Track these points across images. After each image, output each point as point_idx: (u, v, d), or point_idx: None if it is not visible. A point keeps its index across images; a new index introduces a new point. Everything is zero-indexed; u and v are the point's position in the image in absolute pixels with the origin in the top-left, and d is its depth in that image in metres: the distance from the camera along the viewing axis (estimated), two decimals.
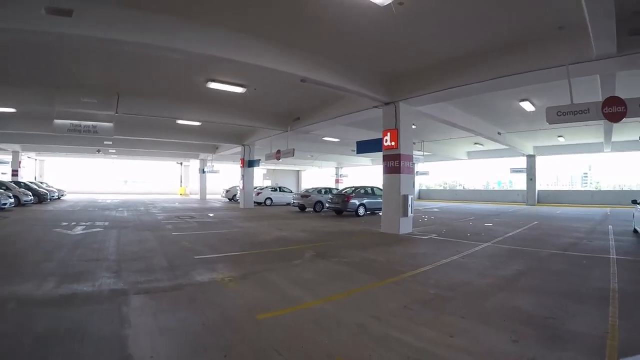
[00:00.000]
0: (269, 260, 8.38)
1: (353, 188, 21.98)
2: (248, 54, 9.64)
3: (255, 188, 31.10)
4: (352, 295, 5.87)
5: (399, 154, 13.40)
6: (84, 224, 14.50)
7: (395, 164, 13.50)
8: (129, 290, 5.83)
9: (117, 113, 15.20)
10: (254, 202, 28.99)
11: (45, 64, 12.30)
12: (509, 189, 45.32)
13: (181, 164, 50.68)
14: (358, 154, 17.24)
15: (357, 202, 20.43)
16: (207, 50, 9.07)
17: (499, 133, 23.77)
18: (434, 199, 42.33)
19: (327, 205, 22.01)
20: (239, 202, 29.92)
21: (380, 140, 14.25)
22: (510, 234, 13.51)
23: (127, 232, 12.60)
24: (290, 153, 19.84)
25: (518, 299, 5.64)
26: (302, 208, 24.88)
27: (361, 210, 20.52)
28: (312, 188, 26.81)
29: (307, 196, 24.41)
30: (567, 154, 32.95)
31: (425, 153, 30.18)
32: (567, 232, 13.99)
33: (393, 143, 13.46)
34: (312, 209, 24.14)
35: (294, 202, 25.72)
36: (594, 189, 41.62)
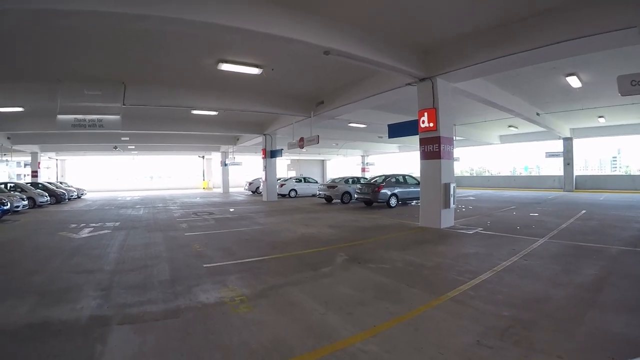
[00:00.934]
0: (292, 269, 6.91)
1: (383, 177, 20.35)
2: (261, 21, 8.08)
3: (279, 180, 29.80)
4: (405, 323, 4.35)
5: (439, 137, 11.83)
6: (93, 225, 13.53)
7: (435, 148, 11.94)
8: (112, 318, 4.58)
9: (124, 105, 14.02)
10: (278, 195, 27.67)
11: (46, 55, 11.23)
12: (544, 174, 43.01)
13: (203, 157, 49.76)
14: (389, 139, 15.45)
15: (388, 192, 18.86)
16: (211, 18, 7.55)
17: (537, 114, 22.09)
18: (465, 186, 40.11)
19: (355, 196, 20.45)
20: (262, 195, 28.51)
21: (415, 123, 12.71)
22: (563, 225, 11.83)
23: (136, 234, 11.43)
24: (315, 140, 18.26)
25: (615, 321, 4.27)
26: (328, 199, 23.41)
27: (393, 201, 18.96)
28: (339, 178, 25.15)
29: (333, 187, 22.89)
30: (606, 135, 30.78)
31: (457, 137, 28.25)
32: (626, 222, 12.30)
33: (431, 124, 11.88)
34: (339, 201, 22.67)
35: (319, 194, 24.17)
36: (635, 173, 38.60)
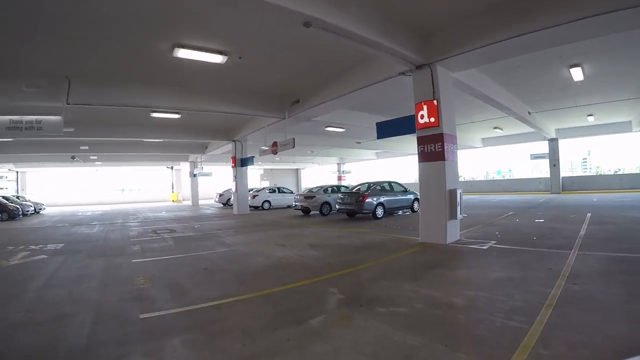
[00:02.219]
0: (265, 323, 4.66)
1: (367, 184, 18.30)
2: None
3: (251, 190, 27.57)
4: None
5: (442, 134, 9.91)
6: (33, 247, 11.36)
7: (437, 148, 9.99)
8: None
9: (69, 104, 11.84)
10: (250, 207, 25.35)
11: None
12: (526, 177, 41.91)
13: (172, 168, 47.14)
14: (377, 139, 13.25)
15: (374, 201, 16.80)
16: None
17: (529, 113, 20.84)
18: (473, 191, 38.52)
19: (336, 206, 18.30)
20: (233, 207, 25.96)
21: (410, 119, 10.86)
22: (581, 232, 10.42)
23: (74, 261, 9.16)
24: (290, 144, 16.05)
25: None
26: (306, 211, 21.11)
27: (379, 211, 16.94)
28: (317, 187, 22.92)
29: (311, 197, 20.59)
30: (592, 135, 30.10)
31: None
32: None
33: (432, 119, 9.93)
34: (318, 212, 20.37)
35: (296, 205, 21.80)
36: (621, 173, 37.79)
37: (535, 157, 31.38)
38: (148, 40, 9.67)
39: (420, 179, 10.59)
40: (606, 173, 41.39)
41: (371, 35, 8.13)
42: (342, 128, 23.26)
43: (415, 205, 19.13)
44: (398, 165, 46.22)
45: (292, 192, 29.62)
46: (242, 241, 11.72)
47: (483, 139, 34.45)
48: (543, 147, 30.94)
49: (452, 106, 10.61)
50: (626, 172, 39.74)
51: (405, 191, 19.00)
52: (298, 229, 14.65)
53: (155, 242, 12.11)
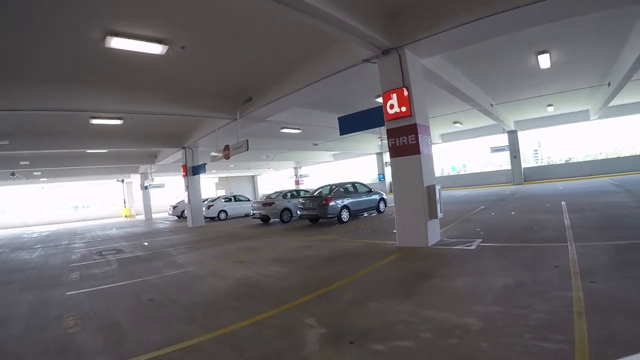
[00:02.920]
0: None
1: (329, 187, 17.14)
2: None
3: (205, 200, 25.94)
4: None
5: (415, 125, 8.94)
6: None
7: (411, 141, 8.99)
8: None
9: None
10: (206, 218, 23.75)
11: None
12: (489, 170, 41.93)
13: (122, 181, 44.42)
14: (340, 135, 12.10)
15: (338, 204, 15.61)
16: None
17: (491, 104, 20.36)
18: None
19: (298, 212, 17.02)
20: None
21: (376, 110, 9.86)
22: (566, 222, 9.97)
23: (1, 297, 7.62)
24: (243, 147, 14.55)
25: None
26: (265, 219, 19.66)
27: (345, 215, 15.79)
28: (275, 192, 21.50)
29: (270, 204, 19.14)
30: (549, 125, 30.53)
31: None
32: (624, 209, 11.09)
33: (403, 109, 8.92)
34: (278, 219, 19.04)
35: (254, 213, 20.15)
36: (580, 161, 38.10)
37: (495, 149, 31.36)
38: (75, 27, 8.15)
39: (393, 176, 9.56)
40: (557, 163, 41.62)
41: (333, 10, 6.92)
42: (299, 129, 22.18)
43: (381, 205, 18.23)
44: (356, 165, 45.23)
45: (249, 200, 28.09)
46: (195, 260, 10.32)
47: (442, 134, 34.22)
48: (502, 139, 31.05)
49: (423, 94, 9.67)
50: (583, 159, 40.18)
51: (370, 191, 17.96)
52: (258, 240, 13.33)
53: (97, 266, 10.52)
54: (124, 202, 45.41)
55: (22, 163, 23.80)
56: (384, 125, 9.60)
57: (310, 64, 11.27)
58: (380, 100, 9.60)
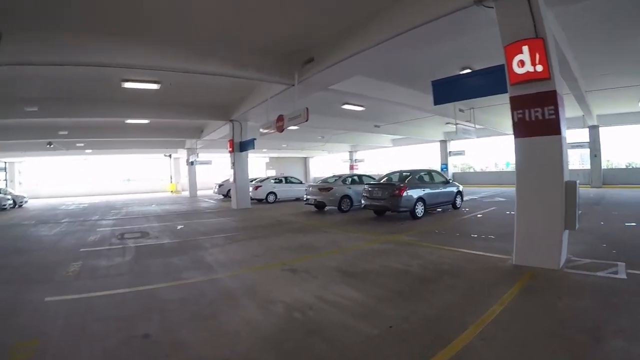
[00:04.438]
0: None
1: (400, 173, 14.43)
2: None
3: (253, 180, 23.51)
4: None
5: (554, 92, 6.15)
6: None
7: (549, 114, 6.19)
8: None
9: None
10: (253, 200, 21.37)
11: None
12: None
13: (170, 156, 42.85)
14: (435, 105, 8.93)
15: (413, 195, 12.72)
16: None
17: (585, 91, 17.13)
18: (476, 183, 34.49)
19: (362, 201, 14.07)
20: None
21: (493, 72, 7.18)
22: None
23: None
24: (302, 116, 11.40)
25: None
26: (320, 206, 16.99)
27: (419, 209, 12.89)
28: (333, 176, 18.56)
29: (327, 189, 16.35)
30: (636, 123, 25.98)
31: (477, 125, 22.70)
32: None
33: (539, 68, 6.09)
34: (335, 208, 16.27)
35: (308, 199, 17.29)
36: None
37: (574, 146, 27.18)
38: None
39: (518, 164, 6.73)
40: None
41: None
42: (362, 106, 19.33)
43: (458, 200, 15.28)
44: (416, 153, 42.01)
45: (301, 183, 25.50)
46: (230, 259, 7.74)
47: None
48: (581, 135, 27.06)
49: (554, 55, 6.68)
50: None
51: (447, 182, 15.00)
52: (313, 234, 10.66)
53: (108, 255, 8.30)
54: (170, 178, 43.98)
55: (60, 133, 22.26)
56: (504, 91, 6.87)
57: (390, 12, 8.46)
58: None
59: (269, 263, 7.15)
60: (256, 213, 16.98)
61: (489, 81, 7.25)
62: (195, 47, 10.31)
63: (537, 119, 6.26)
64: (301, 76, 11.62)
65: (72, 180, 43.38)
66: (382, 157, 47.14)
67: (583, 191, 20.58)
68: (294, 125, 11.99)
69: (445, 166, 34.84)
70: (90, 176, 44.63)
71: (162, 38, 9.79)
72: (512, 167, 49.84)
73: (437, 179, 14.69)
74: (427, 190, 13.37)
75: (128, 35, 9.41)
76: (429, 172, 14.84)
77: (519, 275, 5.83)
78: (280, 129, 12.71)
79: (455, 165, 36.95)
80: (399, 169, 15.19)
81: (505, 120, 27.20)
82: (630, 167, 31.67)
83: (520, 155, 6.59)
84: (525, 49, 6.16)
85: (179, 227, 12.88)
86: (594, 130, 26.33)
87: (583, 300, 4.68)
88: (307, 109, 10.97)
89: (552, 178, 6.18)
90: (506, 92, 6.80)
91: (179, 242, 9.78)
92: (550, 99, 6.13)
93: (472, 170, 42.14)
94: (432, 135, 33.39)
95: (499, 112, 23.72)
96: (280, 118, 12.68)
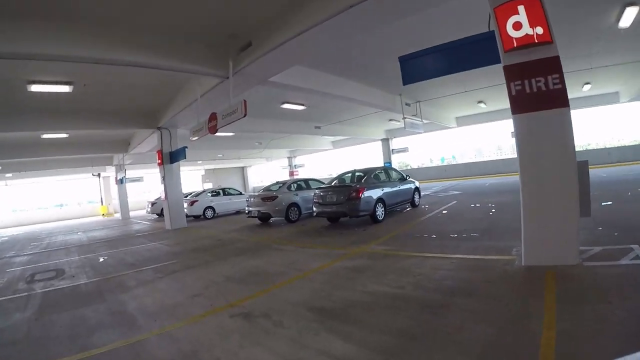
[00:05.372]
0: None
1: (353, 173, 13.00)
2: None
3: (188, 196, 21.37)
4: None
5: (557, 58, 5.21)
6: None
7: (554, 84, 5.17)
8: None
9: None
10: (189, 216, 19.28)
11: None
12: (508, 157, 38.13)
13: (99, 175, 39.10)
14: (404, 85, 7.44)
15: (373, 196, 11.29)
16: None
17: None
18: (417, 179, 33.89)
19: (313, 208, 12.42)
20: None
21: (479, 39, 6.10)
22: None
23: None
24: (239, 111, 9.35)
25: None
26: (264, 219, 15.23)
27: (380, 211, 11.45)
28: (277, 183, 16.70)
29: (271, 198, 14.50)
30: (580, 108, 25.74)
31: (424, 120, 21.76)
32: None
33: (539, 30, 5.13)
34: (282, 218, 14.47)
35: (250, 211, 15.45)
36: (609, 147, 34.17)
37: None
38: None
39: (519, 146, 5.53)
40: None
41: None
42: (303, 105, 17.80)
43: (416, 197, 14.14)
44: (357, 154, 41.27)
45: (241, 194, 23.28)
46: (159, 304, 5.77)
47: (458, 117, 30.34)
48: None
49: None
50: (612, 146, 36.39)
51: (404, 179, 13.64)
52: (264, 254, 8.85)
53: (6, 311, 6.23)
54: (101, 199, 40.44)
55: None
56: (492, 62, 5.78)
57: None
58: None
59: (213, 306, 5.30)
60: (193, 233, 14.95)
61: (476, 49, 6.03)
62: (108, 33, 8.29)
63: (540, 90, 5.18)
64: (237, 65, 9.75)
65: (6, 210, 40.13)
66: (322, 161, 46.11)
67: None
68: (230, 122, 9.82)
69: (389, 164, 34.12)
70: (17, 204, 41.16)
71: (67, 21, 7.72)
72: (447, 161, 50.39)
73: (394, 176, 13.33)
74: (386, 190, 11.95)
75: (24, 17, 7.30)
76: (385, 170, 13.47)
77: (539, 281, 4.73)
78: (213, 130, 10.67)
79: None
80: (350, 169, 13.67)
81: (444, 113, 27.56)
82: (581, 150, 32.28)
83: (522, 135, 5.44)
84: (521, 8, 5.14)
85: (101, 259, 10.66)
86: None
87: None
88: (244, 101, 9.06)
89: (563, 158, 5.19)
90: (494, 63, 5.73)
91: (98, 282, 7.68)
92: (554, 66, 5.12)
93: (409, 167, 41.95)
94: (374, 133, 32.45)
95: (442, 104, 23.38)
96: (212, 116, 10.65)
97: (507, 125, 29.39)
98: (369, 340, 3.70)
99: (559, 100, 5.03)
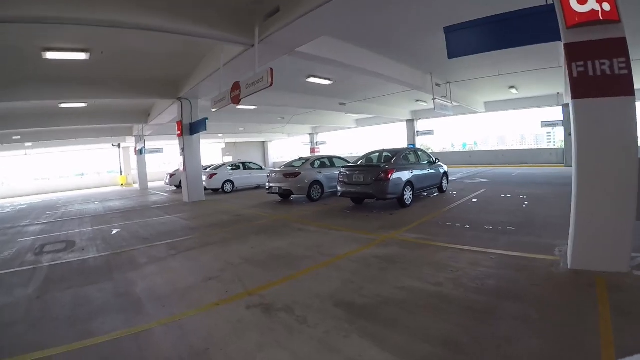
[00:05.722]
0: None
1: (381, 153, 12.36)
2: None
3: (207, 168, 20.97)
4: None
5: (624, 41, 4.50)
6: None
7: (620, 69, 4.47)
8: None
9: None
10: (207, 190, 18.84)
11: None
12: (535, 147, 37.10)
13: (119, 145, 38.94)
14: (448, 59, 6.76)
15: (402, 178, 10.65)
16: None
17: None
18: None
19: (338, 188, 11.76)
20: None
21: (538, 12, 5.47)
22: None
23: None
24: (264, 80, 8.59)
25: None
26: (285, 195, 14.53)
27: (408, 195, 10.83)
28: (299, 159, 15.94)
29: (294, 174, 13.90)
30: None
31: (453, 102, 20.97)
32: None
33: (606, 6, 4.44)
34: (304, 196, 13.90)
35: (271, 187, 14.73)
36: None
37: (547, 124, 26.87)
38: None
39: (578, 134, 4.87)
40: None
41: None
42: (329, 79, 17.14)
43: (444, 183, 13.42)
44: (381, 134, 40.52)
45: (261, 168, 22.78)
46: (170, 286, 5.28)
47: (487, 102, 29.21)
48: (554, 114, 26.56)
49: None
50: None
51: (433, 163, 12.94)
52: (286, 234, 8.36)
53: (9, 286, 5.85)
54: (120, 170, 40.43)
55: None
56: (550, 39, 5.24)
57: None
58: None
59: (229, 293, 4.78)
60: (211, 207, 14.51)
61: (529, 26, 5.41)
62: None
63: (604, 75, 4.55)
64: (263, 33, 9.05)
65: (17, 178, 40.32)
66: (345, 140, 45.37)
67: (564, 170, 19.36)
68: (255, 91, 9.11)
69: (412, 146, 33.31)
70: (39, 173, 41.32)
71: None
72: (468, 147, 49.15)
73: (423, 159, 12.62)
74: (415, 173, 11.28)
75: None
76: (414, 151, 12.71)
77: (590, 287, 4.21)
78: (237, 100, 10.03)
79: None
80: (377, 149, 13.02)
81: (474, 96, 26.53)
82: None
83: (581, 122, 4.79)
84: None
85: (114, 231, 10.29)
86: (567, 108, 24.96)
87: None
88: (271, 69, 8.39)
89: (624, 154, 4.54)
90: (551, 40, 5.23)
91: (107, 257, 7.27)
92: (620, 49, 4.51)
93: (430, 151, 41.17)
94: (399, 114, 31.67)
95: (473, 87, 22.49)
96: (235, 86, 10.00)
97: (536, 114, 28.83)
98: (408, 349, 3.16)
99: (625, 87, 4.40)
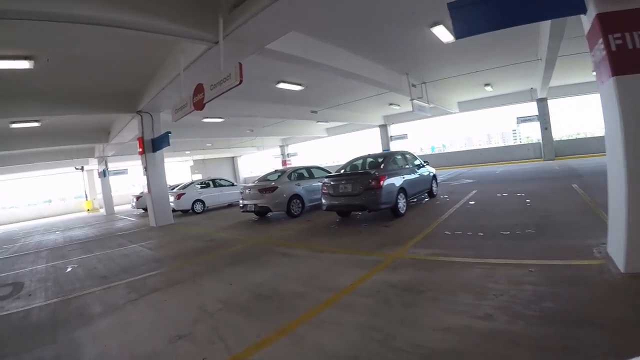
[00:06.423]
0: None
1: (366, 158, 11.31)
2: None
3: (174, 188, 19.59)
4: None
5: None
6: None
7: None
8: None
9: None
10: (176, 211, 17.41)
11: None
12: (513, 144, 37.15)
13: (82, 168, 36.87)
14: (457, 39, 5.83)
15: (395, 184, 9.58)
16: None
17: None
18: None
19: (324, 201, 10.41)
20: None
21: None
22: None
23: None
24: (233, 78, 7.24)
25: None
26: (262, 213, 13.20)
27: (402, 202, 9.74)
28: (276, 172, 14.49)
29: (270, 189, 12.49)
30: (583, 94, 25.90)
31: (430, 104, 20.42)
32: None
33: None
34: (283, 212, 12.55)
35: (245, 205, 13.27)
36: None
37: (522, 120, 27.35)
38: None
39: (625, 118, 4.04)
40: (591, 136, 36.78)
41: None
42: (300, 84, 16.19)
43: (434, 186, 12.56)
44: (352, 142, 40.22)
45: (233, 185, 21.41)
46: (129, 355, 3.83)
47: (460, 102, 29.15)
48: (528, 109, 27.28)
49: None
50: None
51: (422, 166, 11.94)
52: (270, 262, 7.03)
53: None
54: (85, 194, 38.35)
55: None
56: (573, 12, 4.51)
57: None
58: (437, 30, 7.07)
59: None
60: (181, 231, 13.06)
61: None
62: None
63: None
64: (228, 26, 7.74)
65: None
66: (316, 149, 44.65)
67: (545, 164, 18.92)
68: (221, 92, 7.75)
69: (388, 151, 32.78)
70: (5, 201, 40.29)
71: None
72: (437, 150, 48.95)
73: (412, 161, 11.58)
74: (407, 178, 10.25)
75: None
76: (403, 155, 11.58)
77: None
78: (200, 106, 8.55)
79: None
80: (362, 155, 11.88)
81: (451, 97, 26.93)
82: (580, 137, 31.70)
83: (626, 104, 3.93)
84: None
85: (69, 268, 8.79)
86: (542, 103, 26.01)
87: None
88: (240, 64, 7.15)
89: None
90: (574, 13, 4.57)
91: (56, 306, 5.82)
92: None
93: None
94: (372, 119, 31.32)
95: (447, 87, 22.14)
96: (198, 88, 8.59)
97: (506, 112, 29.32)
98: None
99: None
